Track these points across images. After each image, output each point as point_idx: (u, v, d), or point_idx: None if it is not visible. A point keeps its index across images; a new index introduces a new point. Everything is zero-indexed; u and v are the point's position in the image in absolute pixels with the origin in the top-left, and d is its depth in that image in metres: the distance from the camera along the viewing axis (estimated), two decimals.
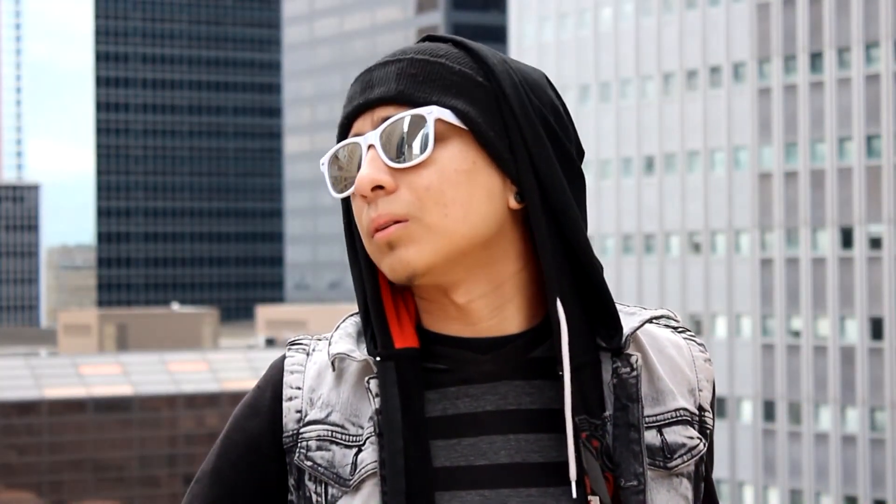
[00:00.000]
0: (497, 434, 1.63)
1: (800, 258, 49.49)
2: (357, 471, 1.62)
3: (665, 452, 1.66)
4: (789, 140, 50.23)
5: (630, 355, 1.66)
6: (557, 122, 1.66)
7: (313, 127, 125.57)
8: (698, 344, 1.76)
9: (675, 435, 1.68)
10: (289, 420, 1.68)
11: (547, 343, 1.66)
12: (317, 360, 1.70)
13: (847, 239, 48.05)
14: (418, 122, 1.60)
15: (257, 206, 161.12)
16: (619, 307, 1.70)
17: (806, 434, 48.69)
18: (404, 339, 1.64)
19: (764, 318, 50.71)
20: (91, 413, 62.25)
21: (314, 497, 1.65)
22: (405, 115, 1.60)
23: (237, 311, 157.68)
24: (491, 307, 1.64)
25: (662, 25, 55.27)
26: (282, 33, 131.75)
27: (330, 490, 1.64)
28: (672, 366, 1.72)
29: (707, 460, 1.74)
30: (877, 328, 47.02)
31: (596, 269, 1.64)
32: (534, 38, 61.16)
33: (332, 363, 1.67)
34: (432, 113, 1.60)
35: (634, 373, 1.65)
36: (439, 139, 1.60)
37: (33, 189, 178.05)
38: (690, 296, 53.28)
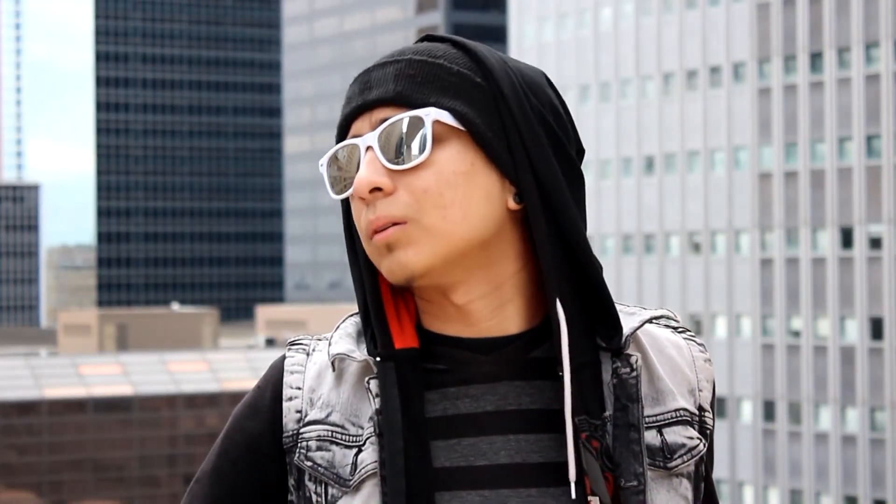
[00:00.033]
0: (497, 434, 1.63)
1: (800, 258, 49.49)
2: (357, 471, 1.62)
3: (665, 453, 1.66)
4: (789, 140, 50.23)
5: (630, 355, 1.65)
6: (556, 121, 1.66)
7: (313, 127, 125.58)
8: (698, 344, 1.76)
9: (675, 435, 1.67)
10: (289, 420, 1.67)
11: (547, 343, 1.66)
12: (317, 361, 1.70)
13: (847, 239, 48.05)
14: (416, 124, 1.60)
15: (257, 206, 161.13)
16: (618, 307, 1.70)
17: (806, 434, 48.69)
18: (404, 339, 1.64)
19: (764, 318, 50.71)
20: (91, 413, 62.25)
21: (314, 497, 1.64)
22: (403, 117, 1.60)
23: (237, 311, 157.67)
24: (490, 308, 1.64)
25: (662, 25, 55.27)
26: (282, 33, 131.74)
27: (330, 490, 1.64)
28: (672, 366, 1.72)
29: (707, 460, 1.74)
30: (877, 328, 47.01)
31: (595, 269, 1.64)
32: (534, 38, 61.15)
33: (332, 363, 1.67)
34: (430, 114, 1.60)
35: (634, 373, 1.65)
36: (437, 140, 1.60)
37: (33, 189, 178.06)
38: (690, 296, 53.28)
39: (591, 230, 55.41)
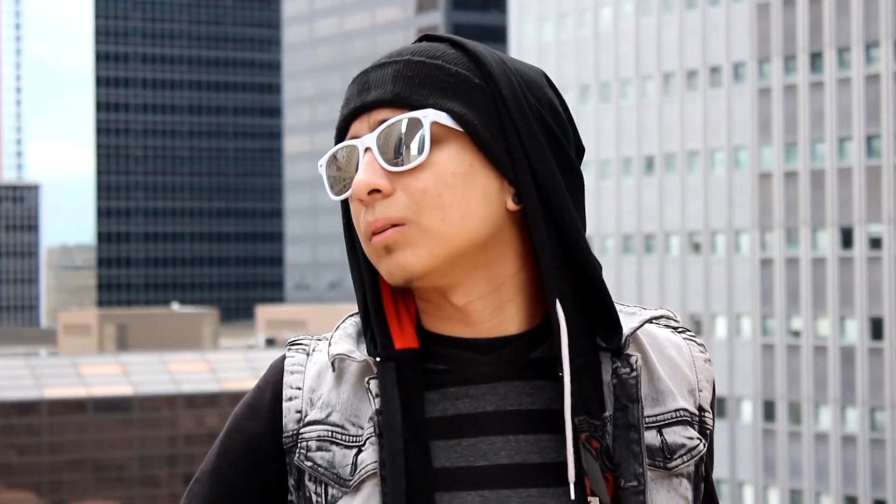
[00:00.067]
0: (497, 435, 1.63)
1: (800, 258, 49.49)
2: (357, 471, 1.62)
3: (665, 453, 1.66)
4: (789, 140, 50.22)
5: (630, 356, 1.65)
6: (556, 121, 1.66)
7: (313, 127, 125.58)
8: (698, 344, 1.76)
9: (675, 435, 1.67)
10: (289, 420, 1.67)
11: (547, 343, 1.66)
12: (317, 361, 1.70)
13: (847, 239, 48.05)
14: (414, 126, 1.60)
15: (257, 206, 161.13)
16: (618, 307, 1.70)
17: (806, 434, 48.69)
18: (404, 339, 1.63)
19: (764, 318, 50.70)
20: (91, 413, 62.25)
21: (314, 497, 1.64)
22: (401, 119, 1.60)
23: (237, 311, 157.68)
24: (490, 308, 1.64)
25: (662, 25, 55.27)
26: (282, 33, 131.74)
27: (330, 490, 1.64)
28: (672, 366, 1.71)
29: (707, 461, 1.74)
30: (877, 328, 47.02)
31: (595, 269, 1.64)
32: (534, 38, 61.15)
33: (333, 364, 1.67)
34: (428, 116, 1.59)
35: (634, 373, 1.65)
36: (436, 142, 1.60)
37: (33, 189, 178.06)
38: (690, 296, 53.28)
39: (591, 230, 55.40)
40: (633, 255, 55.73)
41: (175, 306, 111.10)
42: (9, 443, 61.19)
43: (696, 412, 1.71)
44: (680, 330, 1.77)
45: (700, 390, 1.72)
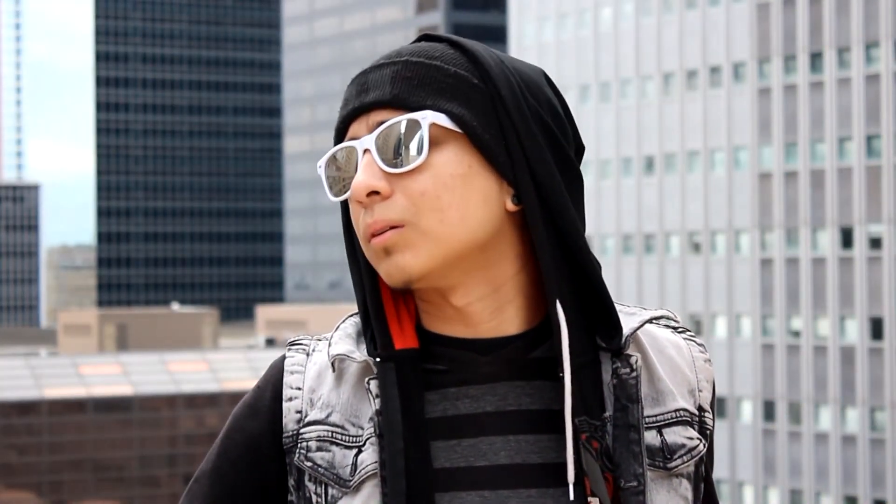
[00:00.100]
0: (497, 435, 1.63)
1: (800, 258, 49.48)
2: (357, 472, 1.62)
3: (665, 453, 1.66)
4: (789, 140, 50.22)
5: (630, 356, 1.65)
6: (555, 121, 1.66)
7: (313, 127, 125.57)
8: (698, 344, 1.76)
9: (675, 435, 1.67)
10: (289, 420, 1.67)
11: (547, 344, 1.65)
12: (317, 361, 1.70)
13: (847, 239, 48.05)
14: (413, 127, 1.59)
15: (257, 206, 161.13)
16: (618, 307, 1.69)
17: (806, 434, 48.69)
18: (404, 339, 1.63)
19: (764, 318, 50.70)
20: (91, 413, 62.25)
21: (314, 497, 1.64)
22: (400, 120, 1.60)
23: (237, 311, 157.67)
24: (490, 309, 1.64)
25: (662, 25, 55.26)
26: (282, 33, 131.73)
27: (330, 491, 1.64)
28: (672, 366, 1.71)
29: (707, 461, 1.74)
30: (877, 328, 47.01)
31: (594, 269, 1.64)
32: (534, 38, 61.15)
33: (332, 364, 1.67)
34: (427, 117, 1.59)
35: (634, 373, 1.65)
36: (434, 143, 1.60)
37: (33, 189, 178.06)
38: (690, 296, 53.27)
39: (591, 230, 55.40)
40: (633, 255, 55.73)
41: (175, 306, 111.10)
42: (9, 443, 61.19)
43: (696, 412, 1.71)
44: (680, 330, 1.77)
45: (700, 390, 1.72)
